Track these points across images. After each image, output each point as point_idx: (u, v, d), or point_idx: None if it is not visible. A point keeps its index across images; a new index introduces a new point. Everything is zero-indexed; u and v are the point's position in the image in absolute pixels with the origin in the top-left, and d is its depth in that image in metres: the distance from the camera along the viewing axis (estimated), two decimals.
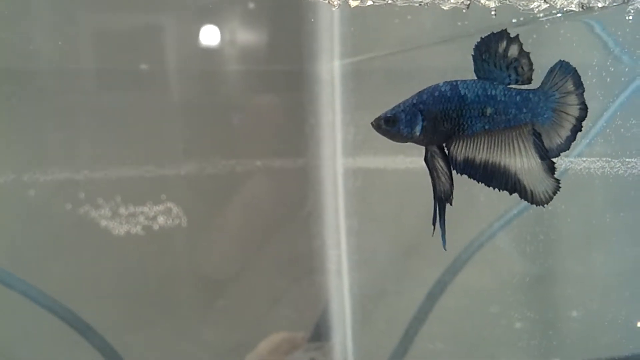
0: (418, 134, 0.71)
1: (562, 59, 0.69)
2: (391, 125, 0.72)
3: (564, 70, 0.69)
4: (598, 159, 1.14)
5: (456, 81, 0.72)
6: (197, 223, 1.27)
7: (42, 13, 1.20)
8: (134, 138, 1.25)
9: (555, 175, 0.68)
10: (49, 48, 1.22)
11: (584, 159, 1.17)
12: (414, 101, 0.72)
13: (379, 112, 0.76)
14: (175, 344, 1.26)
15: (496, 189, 0.71)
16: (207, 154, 1.25)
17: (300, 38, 1.26)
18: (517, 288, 1.36)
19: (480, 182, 0.71)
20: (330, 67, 1.26)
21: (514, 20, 1.10)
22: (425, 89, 0.72)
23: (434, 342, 1.29)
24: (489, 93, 0.71)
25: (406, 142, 0.72)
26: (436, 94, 0.72)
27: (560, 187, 0.67)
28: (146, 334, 1.25)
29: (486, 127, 0.71)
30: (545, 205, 0.67)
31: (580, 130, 0.69)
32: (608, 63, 1.17)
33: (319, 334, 1.29)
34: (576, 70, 0.69)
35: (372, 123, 0.72)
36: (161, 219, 1.23)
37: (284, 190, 1.32)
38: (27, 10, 1.17)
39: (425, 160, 0.73)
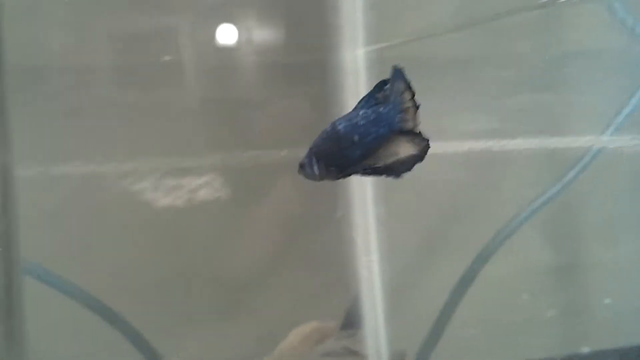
0: (317, 173, 0.78)
1: (393, 65, 0.75)
2: (303, 170, 0.79)
3: (393, 73, 0.75)
4: (631, 137, 1.14)
5: (336, 119, 0.78)
6: (225, 214, 1.27)
7: (57, 11, 1.21)
8: (159, 132, 1.25)
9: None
10: (71, 45, 1.23)
11: (614, 137, 1.17)
12: (312, 145, 0.79)
13: None
14: (206, 336, 1.26)
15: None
16: (230, 147, 1.26)
17: (323, 26, 1.26)
18: (546, 276, 1.36)
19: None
20: (354, 56, 1.26)
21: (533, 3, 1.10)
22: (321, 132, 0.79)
23: (465, 329, 1.29)
24: (353, 122, 0.77)
25: (320, 181, 0.79)
26: (324, 135, 0.78)
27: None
28: (178, 328, 1.25)
29: (363, 152, 0.77)
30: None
31: (418, 107, 0.75)
32: (630, 43, 1.17)
33: (351, 322, 1.29)
34: (396, 68, 0.75)
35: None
36: (190, 210, 1.23)
37: (311, 182, 1.32)
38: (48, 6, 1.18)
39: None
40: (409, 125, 0.75)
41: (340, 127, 0.77)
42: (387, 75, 0.75)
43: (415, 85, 0.74)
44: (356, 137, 0.76)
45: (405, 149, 0.76)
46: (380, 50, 1.25)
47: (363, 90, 1.25)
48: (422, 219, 1.34)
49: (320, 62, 1.28)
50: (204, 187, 1.25)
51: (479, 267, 1.23)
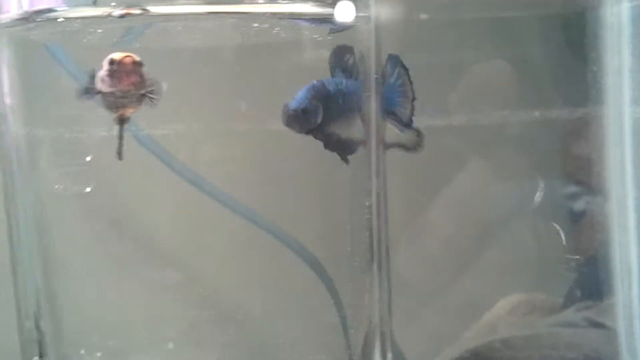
0: (319, 122, 0.87)
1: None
2: (304, 114, 0.86)
3: (389, 59, 0.94)
4: None
5: (323, 79, 0.90)
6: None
7: None
8: None
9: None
10: None
11: None
12: (307, 94, 0.87)
13: None
14: (414, 305, 1.27)
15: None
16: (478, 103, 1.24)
17: None
18: None
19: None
20: (618, 10, 1.17)
21: None
22: (311, 84, 0.89)
23: None
24: (340, 86, 0.89)
25: (306, 132, 0.87)
26: (316, 88, 0.88)
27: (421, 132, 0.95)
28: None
29: (340, 114, 0.90)
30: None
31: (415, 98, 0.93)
32: None
33: (597, 292, 1.23)
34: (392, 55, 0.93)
35: (288, 112, 0.87)
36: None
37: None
38: None
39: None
40: (406, 110, 0.91)
41: (330, 87, 0.88)
42: None
43: None
44: (340, 100, 0.88)
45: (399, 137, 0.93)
46: None
47: (626, 45, 1.16)
48: None
49: (579, 16, 1.21)
50: None
51: None
